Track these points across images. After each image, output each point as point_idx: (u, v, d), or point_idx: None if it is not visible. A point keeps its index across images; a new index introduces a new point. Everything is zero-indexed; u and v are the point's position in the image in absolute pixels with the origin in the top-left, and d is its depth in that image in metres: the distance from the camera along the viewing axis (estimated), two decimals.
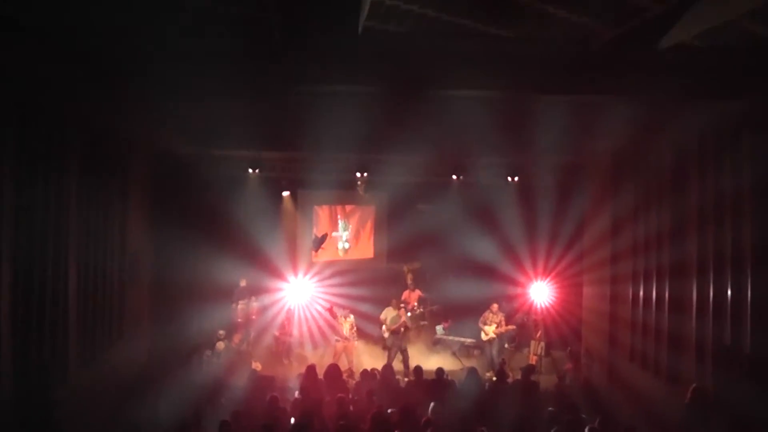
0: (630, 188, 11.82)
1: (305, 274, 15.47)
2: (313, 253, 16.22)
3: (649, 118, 9.17)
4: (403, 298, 16.52)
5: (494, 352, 13.62)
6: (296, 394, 9.68)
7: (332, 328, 14.22)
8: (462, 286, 15.26)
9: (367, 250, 17.75)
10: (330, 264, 16.50)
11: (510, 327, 13.95)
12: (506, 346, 14.87)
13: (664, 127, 9.81)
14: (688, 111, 8.83)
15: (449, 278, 16.41)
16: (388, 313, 15.18)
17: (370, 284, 16.04)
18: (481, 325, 13.79)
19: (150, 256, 12.42)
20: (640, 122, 9.30)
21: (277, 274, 15.00)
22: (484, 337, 13.76)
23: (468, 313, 14.26)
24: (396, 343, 13.42)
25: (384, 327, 15.03)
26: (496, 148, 10.83)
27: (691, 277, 9.61)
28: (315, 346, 14.73)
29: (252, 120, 9.50)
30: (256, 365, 12.41)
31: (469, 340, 14.87)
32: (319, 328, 15.02)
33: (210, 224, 13.40)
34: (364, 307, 15.18)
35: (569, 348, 13.54)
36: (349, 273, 16.23)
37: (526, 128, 9.37)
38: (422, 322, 15.64)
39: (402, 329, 13.30)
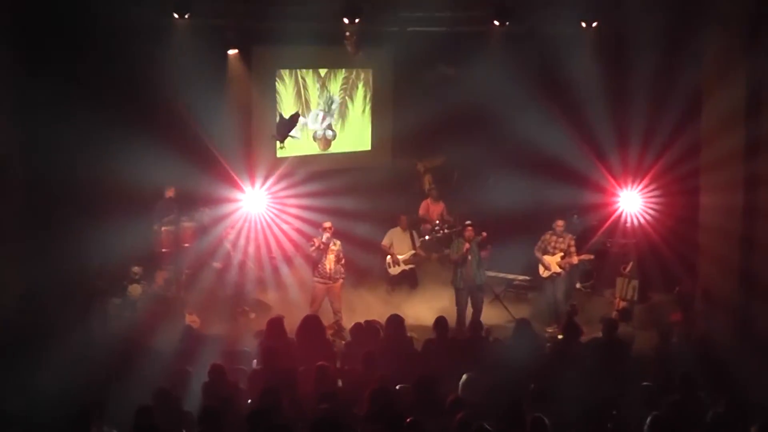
0: None
1: (266, 177, 15.37)
2: (278, 143, 16.07)
3: None
4: (420, 213, 16.48)
5: (559, 295, 13.65)
6: (254, 362, 9.70)
7: (307, 257, 14.28)
8: (509, 194, 15.18)
9: (361, 138, 17.59)
10: (304, 161, 16.38)
11: (584, 257, 13.91)
12: (578, 286, 14.87)
13: None
14: None
15: (489, 181, 16.28)
16: (393, 237, 15.21)
17: (366, 192, 16.02)
18: (538, 254, 13.74)
19: (20, 145, 12.27)
20: None
21: (222, 177, 14.92)
22: (543, 272, 13.74)
23: (518, 235, 14.25)
24: (467, 282, 13.39)
25: (389, 259, 15.11)
26: None
27: None
28: (280, 286, 14.82)
29: None
30: (192, 319, 12.48)
31: (520, 278, 14.96)
32: (288, 259, 15.08)
33: (115, 100, 13.16)
34: (359, 228, 15.22)
35: (677, 289, 13.52)
36: (334, 175, 16.16)
37: None
38: (447, 250, 15.59)
39: (468, 257, 13.23)
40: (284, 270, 14.97)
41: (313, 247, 13.25)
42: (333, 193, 15.47)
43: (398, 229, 15.28)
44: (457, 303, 13.37)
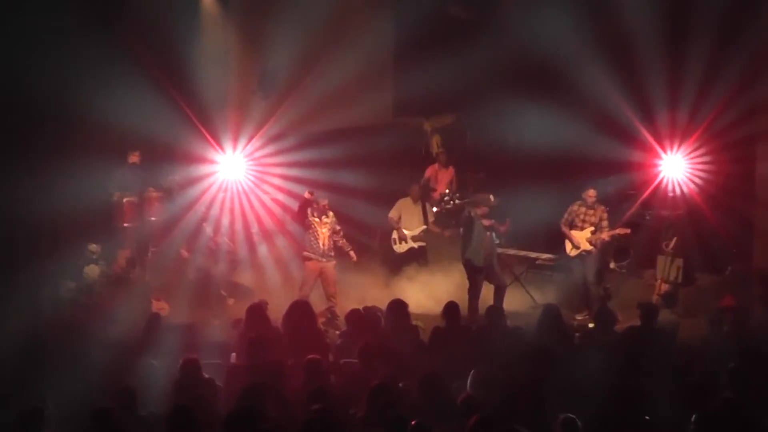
0: None
1: (247, 141, 15.36)
2: (261, 100, 16.00)
3: None
4: (426, 175, 16.44)
5: (590, 276, 13.64)
6: (233, 356, 9.72)
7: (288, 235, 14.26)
8: (531, 158, 15.24)
9: (356, 92, 17.43)
10: (291, 121, 16.30)
11: (619, 231, 13.87)
12: (612, 265, 14.87)
13: None
14: None
15: (507, 142, 16.23)
16: (402, 209, 15.15)
17: (364, 157, 15.99)
18: (565, 228, 13.71)
19: None
20: None
21: (196, 140, 14.98)
22: (571, 250, 13.72)
23: (542, 206, 14.21)
24: (487, 262, 13.33)
25: (395, 234, 15.07)
26: None
27: None
28: (263, 267, 14.86)
29: None
30: (160, 305, 12.47)
31: (544, 256, 14.97)
32: (272, 236, 15.14)
33: (73, 47, 13.17)
34: (355, 201, 15.24)
35: (729, 269, 13.49)
36: (327, 137, 16.17)
37: None
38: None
39: (488, 233, 13.18)
40: (268, 248, 15.00)
41: (299, 204, 13.13)
42: (326, 158, 15.50)
43: (408, 200, 15.26)
44: (471, 286, 13.34)
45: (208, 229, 14.21)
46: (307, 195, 13.05)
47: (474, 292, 13.27)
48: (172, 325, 10.85)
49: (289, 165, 15.49)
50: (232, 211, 14.75)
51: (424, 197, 15.56)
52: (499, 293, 13.19)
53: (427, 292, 14.06)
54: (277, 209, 15.16)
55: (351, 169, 15.67)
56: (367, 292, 13.79)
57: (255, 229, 15.04)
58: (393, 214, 15.21)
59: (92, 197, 13.77)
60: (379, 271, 15.17)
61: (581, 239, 13.57)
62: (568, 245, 13.72)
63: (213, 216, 14.35)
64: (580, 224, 13.63)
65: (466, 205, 14.16)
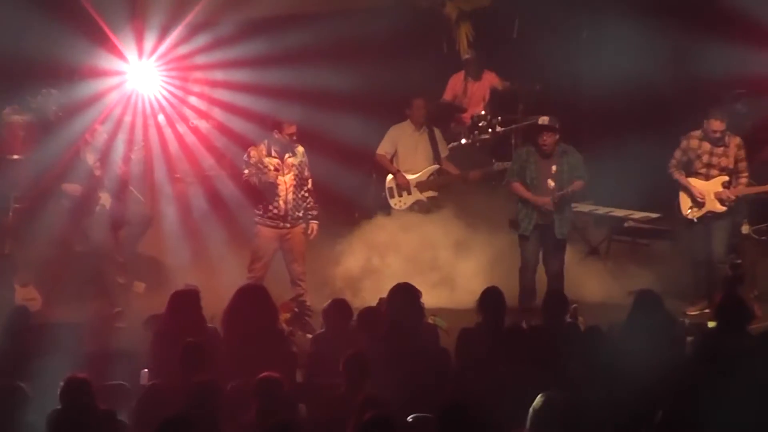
0: None
1: (163, 36, 15.48)
2: None
3: None
4: (447, 96, 16.47)
5: (718, 247, 13.66)
6: (145, 373, 9.78)
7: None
8: (618, 62, 15.36)
9: None
10: (231, 4, 16.49)
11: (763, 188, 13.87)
12: (745, 230, 14.90)
13: None
14: None
15: (579, 32, 16.28)
16: (399, 141, 15.21)
17: (349, 61, 16.12)
18: (677, 174, 13.67)
19: None
20: None
21: (85, 32, 15.14)
22: (689, 210, 13.66)
23: (636, 135, 14.45)
24: (543, 221, 13.39)
25: (391, 181, 15.13)
26: None
27: None
28: (191, 234, 15.07)
29: None
30: (28, 294, 12.63)
31: (638, 215, 15.21)
32: (204, 182, 15.45)
33: None
34: (339, 131, 15.44)
35: None
36: (288, 24, 16.42)
37: None
38: (497, 163, 15.43)
39: (550, 182, 13.19)
40: (198, 202, 15.13)
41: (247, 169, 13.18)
42: (292, 66, 15.64)
43: (406, 125, 15.31)
44: (523, 264, 13.41)
45: (90, 157, 14.08)
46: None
47: (525, 271, 13.29)
48: (48, 325, 10.89)
49: (232, 88, 15.71)
50: (131, 141, 14.69)
51: (434, 119, 15.56)
52: (550, 279, 13.37)
53: (450, 273, 14.14)
54: (200, 146, 15.20)
55: (327, 97, 15.78)
56: (352, 275, 14.06)
57: (184, 171, 15.12)
58: (385, 148, 15.27)
59: None
60: (370, 240, 15.22)
61: (708, 194, 13.50)
62: (686, 202, 13.72)
63: (100, 141, 14.22)
64: (703, 170, 13.59)
65: (515, 135, 14.13)
